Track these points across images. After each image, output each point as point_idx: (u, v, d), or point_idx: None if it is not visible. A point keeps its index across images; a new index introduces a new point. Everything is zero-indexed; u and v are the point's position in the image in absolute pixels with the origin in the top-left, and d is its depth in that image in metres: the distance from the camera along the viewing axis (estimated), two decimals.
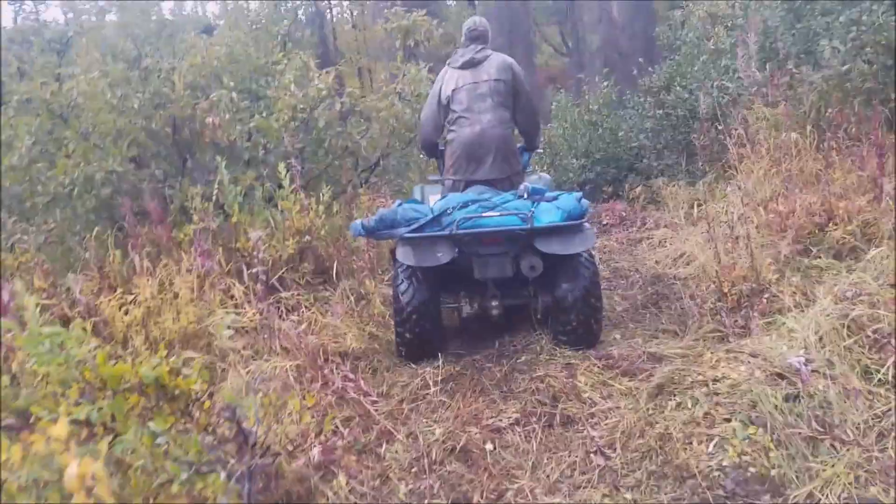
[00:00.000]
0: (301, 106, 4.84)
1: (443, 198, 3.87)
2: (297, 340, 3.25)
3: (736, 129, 6.13)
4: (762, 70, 6.32)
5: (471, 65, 4.25)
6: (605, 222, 5.73)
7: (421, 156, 6.05)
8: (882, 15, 5.57)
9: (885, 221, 4.01)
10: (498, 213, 3.50)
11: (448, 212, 3.57)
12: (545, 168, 8.37)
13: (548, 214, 3.49)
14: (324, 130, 5.04)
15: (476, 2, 27.10)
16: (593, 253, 3.79)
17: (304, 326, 3.57)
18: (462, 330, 4.05)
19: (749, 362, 2.76)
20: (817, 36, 6.41)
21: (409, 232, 3.50)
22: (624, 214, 5.78)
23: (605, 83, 9.17)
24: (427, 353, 3.63)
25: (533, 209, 3.51)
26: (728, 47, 7.40)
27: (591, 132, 8.80)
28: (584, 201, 3.63)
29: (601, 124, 8.81)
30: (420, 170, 6.37)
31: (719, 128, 6.22)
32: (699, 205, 6.05)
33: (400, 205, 3.74)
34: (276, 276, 4.01)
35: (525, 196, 3.72)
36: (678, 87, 6.92)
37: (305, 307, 3.87)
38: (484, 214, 3.51)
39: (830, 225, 4.27)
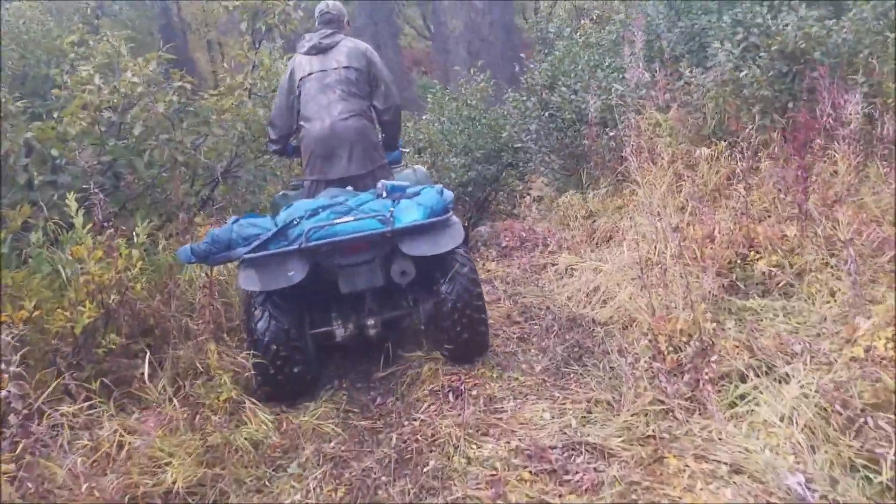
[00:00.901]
0: (108, 105, 3.69)
1: (287, 207, 3.37)
2: (78, 489, 2.16)
3: (628, 136, 5.66)
4: (650, 70, 5.90)
5: (318, 50, 3.91)
6: (504, 244, 5.08)
7: (272, 160, 5.08)
8: (767, 16, 5.28)
9: (811, 251, 3.63)
10: (353, 218, 3.15)
11: (295, 222, 3.15)
12: (427, 168, 7.59)
13: (409, 213, 3.18)
14: (141, 139, 3.88)
15: None
16: (466, 251, 3.47)
17: (94, 459, 2.40)
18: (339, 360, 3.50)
19: (733, 482, 2.15)
20: (703, 35, 6.10)
21: (249, 251, 3.05)
22: (524, 235, 5.15)
23: (481, 76, 8.48)
24: (300, 390, 3.23)
25: (392, 209, 3.20)
26: (608, 44, 6.96)
27: (470, 128, 8.11)
28: (447, 193, 3.36)
29: (479, 120, 8.14)
30: (283, 181, 5.36)
31: (610, 133, 5.74)
32: (593, 218, 5.57)
33: (236, 221, 3.22)
34: (65, 364, 2.87)
35: (384, 195, 3.37)
36: (562, 87, 6.36)
37: (104, 418, 2.64)
38: (337, 221, 3.14)
39: (752, 254, 3.85)
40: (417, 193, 3.35)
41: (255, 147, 4.59)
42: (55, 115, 3.87)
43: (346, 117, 3.77)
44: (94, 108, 3.80)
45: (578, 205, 5.72)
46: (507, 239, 5.15)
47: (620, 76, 6.14)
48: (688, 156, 5.13)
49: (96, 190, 3.35)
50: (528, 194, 8.30)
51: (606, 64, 6.50)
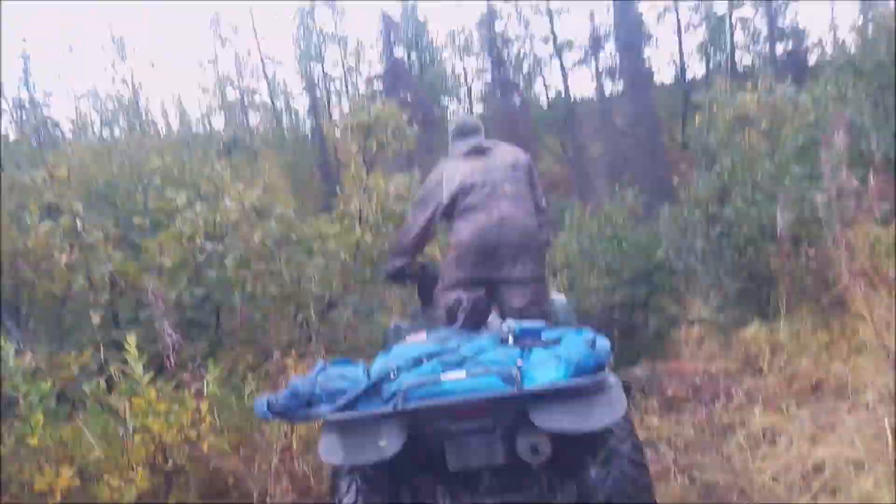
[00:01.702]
0: (206, 234, 3.11)
1: (384, 353, 2.64)
2: None
3: (836, 255, 4.33)
4: (856, 177, 4.62)
5: (480, 153, 3.46)
6: (669, 393, 3.83)
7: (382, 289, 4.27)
8: None
9: None
10: (466, 374, 2.30)
11: (391, 375, 2.35)
12: (564, 290, 6.54)
13: (545, 369, 2.27)
14: (237, 270, 3.26)
15: (474, 106, 26.43)
16: (630, 420, 2.54)
17: None
18: None
19: None
20: None
21: (333, 410, 2.30)
22: (697, 381, 3.88)
23: (629, 191, 7.48)
24: None
25: (521, 362, 2.31)
26: (792, 151, 5.76)
27: (614, 247, 7.03)
28: (602, 342, 2.36)
29: (626, 239, 7.05)
30: (390, 309, 4.55)
31: (810, 252, 4.44)
32: (789, 358, 4.18)
33: (322, 370, 2.47)
34: None
35: (509, 340, 2.48)
36: (738, 200, 5.19)
37: None
38: (445, 377, 2.30)
39: None
40: (557, 340, 2.43)
41: (360, 277, 3.83)
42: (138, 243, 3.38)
43: (516, 211, 3.29)
44: (187, 237, 3.28)
45: (765, 339, 4.38)
46: (673, 385, 3.88)
47: (816, 184, 4.89)
48: None
49: (170, 330, 2.71)
50: (687, 319, 6.95)
51: (794, 172, 5.29)
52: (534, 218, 3.37)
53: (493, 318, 3.04)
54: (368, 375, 2.41)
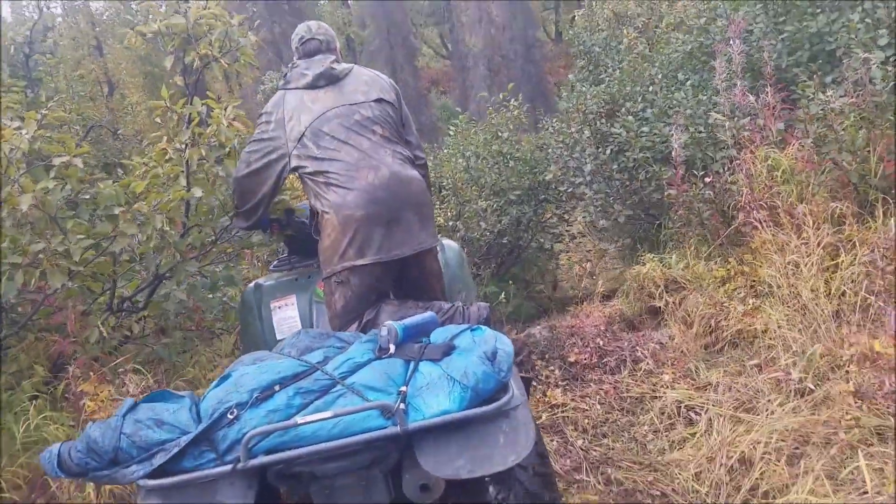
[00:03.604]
0: None
1: (219, 382, 1.87)
2: None
3: (734, 183, 3.91)
4: (752, 92, 4.16)
5: (329, 80, 2.58)
6: (571, 358, 3.35)
7: (239, 234, 3.23)
8: None
9: None
10: (332, 414, 1.69)
11: (230, 416, 1.72)
12: (451, 220, 5.88)
13: (435, 394, 1.73)
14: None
15: (350, 1, 24.04)
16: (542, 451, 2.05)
17: None
18: None
19: None
20: (823, 43, 4.35)
21: (147, 473, 1.63)
22: (601, 343, 3.40)
23: (512, 100, 6.76)
24: None
25: (405, 388, 1.75)
26: (679, 58, 5.22)
27: (502, 164, 6.40)
28: (504, 347, 1.79)
29: (512, 155, 6.42)
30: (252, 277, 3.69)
31: (706, 179, 3.99)
32: (683, 293, 3.82)
33: (131, 410, 1.75)
34: None
35: (391, 349, 1.89)
36: (628, 116, 4.62)
37: None
38: (302, 420, 1.68)
39: None
40: (450, 347, 1.87)
41: (199, 239, 2.88)
42: None
43: (404, 165, 2.52)
44: None
45: (660, 275, 3.97)
46: (575, 348, 3.40)
47: (711, 100, 4.40)
48: (832, 215, 3.38)
49: None
50: (575, 244, 6.60)
51: (685, 82, 4.76)
52: (415, 169, 2.60)
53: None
54: (198, 416, 1.75)
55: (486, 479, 1.96)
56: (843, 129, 3.43)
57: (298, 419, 1.69)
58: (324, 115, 2.49)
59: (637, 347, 3.30)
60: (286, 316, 2.78)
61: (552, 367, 3.27)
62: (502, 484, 1.96)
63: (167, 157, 2.67)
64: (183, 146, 2.66)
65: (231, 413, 1.73)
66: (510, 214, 6.19)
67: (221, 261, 3.43)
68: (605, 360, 3.26)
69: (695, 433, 2.56)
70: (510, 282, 6.49)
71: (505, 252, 6.55)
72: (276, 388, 1.79)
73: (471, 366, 1.76)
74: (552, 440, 2.72)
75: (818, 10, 4.37)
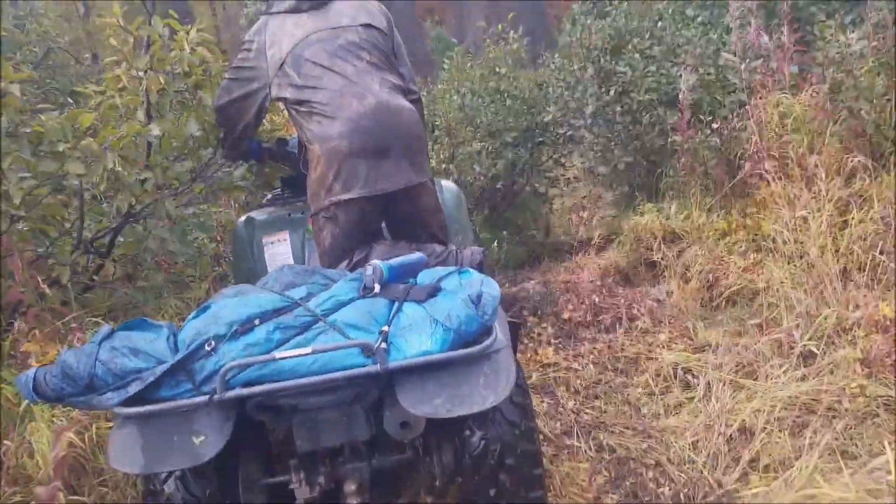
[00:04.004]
0: None
1: (197, 314, 1.85)
2: None
3: (742, 129, 3.69)
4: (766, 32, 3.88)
5: (311, 6, 2.40)
6: (565, 315, 3.21)
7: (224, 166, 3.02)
8: None
9: None
10: (311, 350, 1.66)
11: (207, 347, 1.69)
12: (444, 162, 5.64)
13: (417, 335, 1.72)
14: None
15: None
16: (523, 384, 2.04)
17: None
18: None
19: None
20: None
21: (123, 401, 1.63)
22: (596, 300, 3.25)
23: (511, 33, 6.38)
24: None
25: (388, 327, 1.72)
26: None
27: (498, 102, 6.10)
28: (490, 291, 1.78)
29: (510, 93, 6.11)
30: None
31: (714, 125, 3.77)
32: (680, 246, 3.66)
33: (107, 337, 1.73)
34: None
35: (375, 288, 1.85)
36: (634, 54, 4.34)
37: None
38: (280, 355, 1.64)
39: None
40: (436, 289, 1.85)
41: (170, 175, 2.65)
42: None
43: (393, 94, 2.35)
44: None
45: (659, 227, 3.81)
46: (570, 305, 3.25)
47: (721, 39, 4.12)
48: (843, 167, 3.19)
49: None
50: (563, 176, 6.35)
51: (694, 18, 4.46)
52: (406, 99, 2.43)
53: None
54: (175, 346, 1.73)
55: (466, 425, 1.94)
56: (862, 75, 3.19)
57: (277, 354, 1.65)
58: (305, 40, 2.33)
59: (633, 304, 3.16)
60: (279, 252, 2.73)
61: (545, 324, 3.14)
62: (483, 429, 1.95)
63: (121, 86, 2.41)
64: (141, 73, 2.40)
65: (209, 344, 1.70)
66: (505, 157, 5.95)
67: (193, 203, 3.22)
68: (599, 317, 3.13)
69: (692, 398, 2.46)
70: (501, 228, 6.31)
71: (499, 197, 6.34)
72: (257, 322, 1.76)
73: (455, 308, 1.73)
74: (542, 401, 2.61)
75: None
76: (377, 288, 1.85)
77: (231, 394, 1.64)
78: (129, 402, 1.64)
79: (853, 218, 2.88)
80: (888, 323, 2.33)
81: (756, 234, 3.40)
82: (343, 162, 2.23)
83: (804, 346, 2.56)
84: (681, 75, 3.88)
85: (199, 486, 1.87)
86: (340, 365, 1.67)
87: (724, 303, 3.16)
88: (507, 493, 1.95)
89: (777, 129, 3.50)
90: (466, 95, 6.32)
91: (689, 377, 2.57)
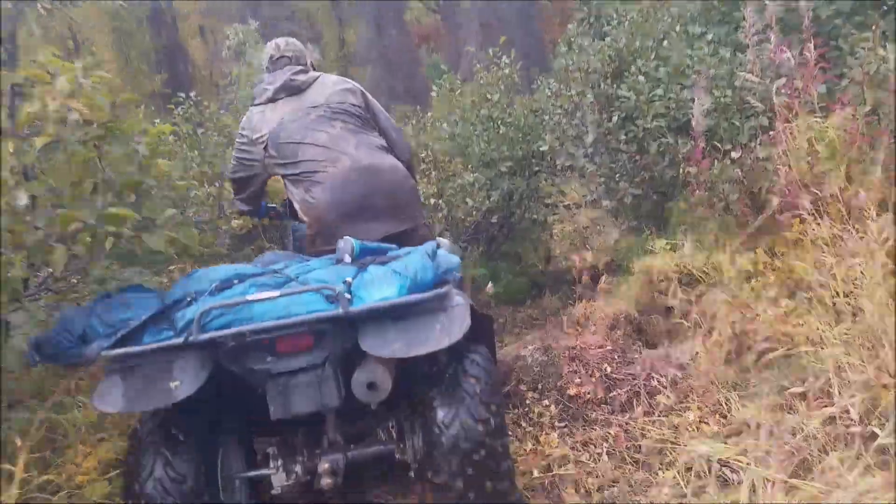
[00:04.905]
0: None
1: (186, 277, 2.21)
2: None
3: (767, 157, 3.22)
4: (788, 50, 3.42)
5: (289, 91, 2.73)
6: (570, 391, 2.66)
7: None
8: None
9: None
10: (280, 293, 1.91)
11: (188, 300, 1.99)
12: (433, 197, 5.15)
13: (378, 287, 1.97)
14: None
15: None
16: (485, 353, 2.15)
17: None
18: None
19: None
20: None
21: (109, 346, 1.86)
22: (607, 370, 2.72)
23: (504, 58, 5.96)
24: None
25: (352, 279, 1.99)
26: (695, 10, 4.46)
27: (491, 131, 5.66)
28: (446, 255, 2.15)
29: (503, 121, 5.67)
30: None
31: (734, 154, 3.29)
32: (698, 289, 3.17)
33: (104, 298, 2.03)
34: None
35: (346, 259, 2.19)
36: (638, 76, 3.88)
37: None
38: (253, 297, 1.90)
39: None
40: (400, 257, 2.15)
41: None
42: None
43: (373, 153, 2.67)
44: None
45: (672, 270, 3.31)
46: (575, 379, 2.70)
47: (735, 57, 3.67)
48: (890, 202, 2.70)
49: None
50: (561, 203, 5.86)
51: (701, 35, 4.02)
52: (390, 155, 2.73)
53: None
54: (162, 302, 2.04)
55: (433, 395, 2.04)
56: None
57: (248, 297, 1.89)
58: (280, 123, 2.61)
59: (652, 374, 2.65)
60: None
61: (547, 402, 2.61)
62: (449, 406, 2.01)
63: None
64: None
65: (188, 298, 1.97)
66: (500, 188, 5.49)
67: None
68: (612, 392, 2.61)
69: (734, 503, 1.94)
70: (500, 260, 5.84)
71: (495, 230, 5.87)
72: (235, 281, 2.02)
73: (411, 261, 2.02)
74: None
75: None
76: (347, 258, 2.13)
77: (205, 335, 1.83)
78: (112, 346, 1.84)
79: None
80: None
81: (788, 279, 2.90)
82: (323, 223, 2.51)
83: (863, 424, 2.06)
84: (692, 99, 3.42)
85: (176, 486, 1.92)
86: (305, 311, 1.88)
87: (756, 361, 2.65)
88: (476, 486, 1.97)
89: (809, 158, 3.02)
90: (457, 124, 5.89)
91: (727, 471, 2.05)
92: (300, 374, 1.95)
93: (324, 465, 2.05)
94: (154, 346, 1.83)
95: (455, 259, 2.14)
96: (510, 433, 2.52)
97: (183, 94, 5.34)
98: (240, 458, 2.22)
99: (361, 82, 3.06)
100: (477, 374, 2.06)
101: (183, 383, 1.82)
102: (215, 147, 4.84)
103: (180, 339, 1.83)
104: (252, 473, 2.17)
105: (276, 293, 1.90)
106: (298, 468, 2.11)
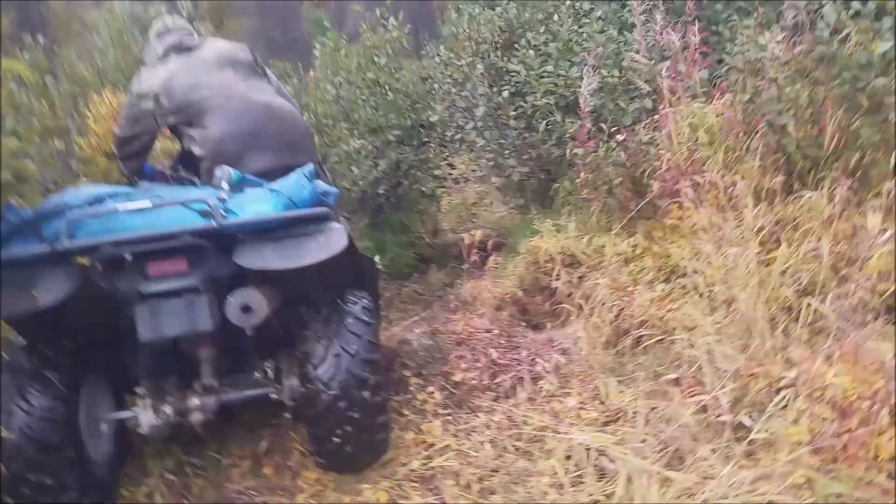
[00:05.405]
0: None
1: (61, 193, 2.17)
2: None
3: (651, 142, 3.23)
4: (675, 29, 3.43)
5: (178, 50, 2.72)
6: (456, 377, 2.53)
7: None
8: None
9: None
10: (152, 204, 1.92)
11: (58, 211, 1.94)
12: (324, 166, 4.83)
13: (254, 204, 1.99)
14: None
15: None
16: (369, 299, 2.23)
17: None
18: None
19: None
20: None
21: None
22: (494, 355, 2.60)
23: (391, 19, 5.66)
24: None
25: (227, 197, 2.01)
26: None
27: (379, 96, 5.39)
28: (328, 187, 2.18)
29: (391, 86, 5.42)
30: None
31: (619, 137, 3.28)
32: (582, 272, 3.17)
33: None
34: None
35: (223, 185, 2.12)
36: (528, 50, 3.78)
37: None
38: (122, 207, 1.90)
39: None
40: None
41: None
42: None
43: (263, 93, 2.69)
44: None
45: (556, 251, 3.29)
46: (461, 363, 2.60)
47: (622, 36, 3.65)
48: (761, 190, 2.79)
49: None
50: (450, 175, 5.74)
51: (589, 12, 3.97)
52: (282, 98, 2.79)
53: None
54: (32, 214, 1.96)
55: (312, 330, 2.05)
56: (787, 85, 2.79)
57: (119, 206, 1.87)
58: (172, 74, 2.60)
59: (537, 359, 2.59)
60: None
61: (431, 389, 2.49)
62: (327, 348, 2.02)
63: None
64: None
65: (60, 210, 1.89)
66: (388, 157, 5.26)
67: None
68: (498, 379, 2.52)
69: (610, 494, 1.91)
70: (387, 232, 5.64)
71: (381, 200, 5.65)
72: (107, 199, 1.97)
73: (288, 181, 2.04)
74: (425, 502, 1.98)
75: None
76: (226, 186, 2.07)
77: (71, 242, 1.80)
78: None
79: (781, 252, 2.47)
80: (841, 397, 1.89)
81: (665, 264, 2.95)
82: (218, 155, 2.43)
83: (733, 411, 2.11)
84: (581, 77, 3.36)
85: (42, 389, 1.89)
86: (178, 224, 1.85)
87: (633, 347, 2.67)
88: (353, 438, 2.02)
89: (689, 144, 3.06)
90: (341, 86, 5.56)
91: (605, 460, 2.02)
92: (172, 296, 1.92)
93: (194, 402, 2.07)
94: (20, 253, 1.82)
95: (333, 189, 2.16)
96: (392, 423, 2.38)
97: (31, 37, 4.71)
98: (107, 400, 2.18)
99: (238, 35, 2.95)
100: (357, 314, 2.10)
101: (50, 291, 1.80)
102: (69, 99, 4.31)
103: (47, 247, 1.81)
104: (120, 414, 2.14)
105: (148, 204, 1.89)
106: (169, 409, 2.10)
